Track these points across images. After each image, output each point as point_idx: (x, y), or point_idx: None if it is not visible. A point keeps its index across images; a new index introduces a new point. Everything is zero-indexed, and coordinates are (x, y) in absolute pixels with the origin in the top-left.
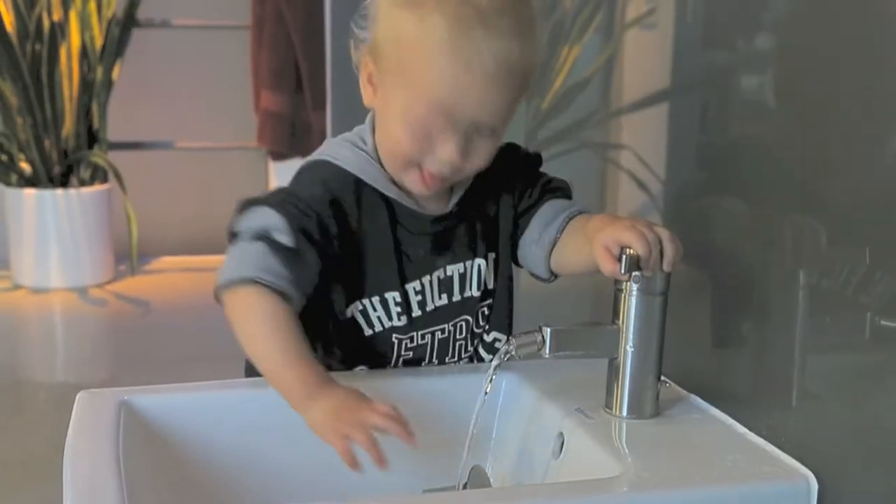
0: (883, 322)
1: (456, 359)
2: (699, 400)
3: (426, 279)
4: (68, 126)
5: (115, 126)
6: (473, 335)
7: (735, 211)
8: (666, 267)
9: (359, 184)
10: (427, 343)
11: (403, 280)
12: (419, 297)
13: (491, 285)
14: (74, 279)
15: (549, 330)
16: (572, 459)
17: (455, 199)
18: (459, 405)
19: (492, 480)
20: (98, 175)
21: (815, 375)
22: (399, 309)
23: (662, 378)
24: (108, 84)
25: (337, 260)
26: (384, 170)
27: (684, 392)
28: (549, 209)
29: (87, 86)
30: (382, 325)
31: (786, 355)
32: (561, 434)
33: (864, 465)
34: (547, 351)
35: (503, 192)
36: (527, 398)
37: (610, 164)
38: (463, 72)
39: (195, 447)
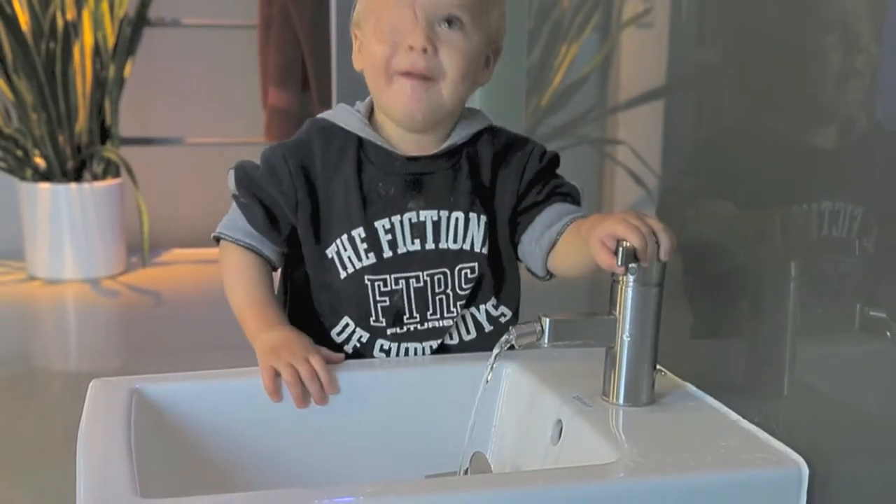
0: (872, 312)
1: (438, 316)
2: (694, 388)
3: (396, 219)
4: (81, 122)
5: (127, 122)
6: (457, 296)
7: (728, 204)
8: (663, 257)
9: (332, 129)
10: (402, 290)
11: (370, 217)
12: (389, 237)
13: (479, 248)
14: (87, 271)
15: (547, 320)
16: (570, 446)
17: (441, 147)
18: (461, 393)
19: (492, 466)
20: (110, 170)
21: (806, 364)
22: (366, 245)
23: (658, 367)
24: (120, 81)
25: (311, 204)
26: (366, 119)
27: (679, 380)
28: (554, 211)
29: (99, 83)
30: (353, 266)
31: (777, 345)
32: (559, 421)
33: (853, 452)
34: (546, 340)
35: (508, 171)
36: (526, 386)
37: (607, 159)
38: None
39: (205, 434)
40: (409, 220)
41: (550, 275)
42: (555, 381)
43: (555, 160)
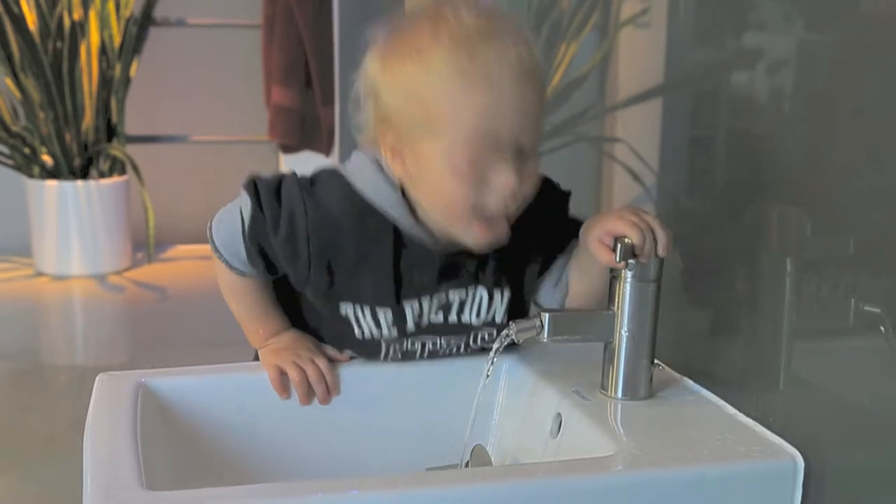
0: (866, 308)
1: (447, 357)
2: (691, 382)
3: (425, 299)
4: (88, 120)
5: (133, 120)
6: (471, 348)
7: (724, 202)
8: (661, 252)
9: (367, 212)
10: (417, 349)
11: (399, 298)
12: (416, 315)
13: (500, 319)
14: (94, 267)
15: (547, 315)
16: (570, 439)
17: None
18: (462, 387)
19: (493, 459)
20: (116, 167)
21: (802, 359)
22: (390, 321)
23: (656, 361)
24: (126, 80)
25: (326, 281)
26: (402, 199)
27: (677, 375)
28: (567, 251)
29: (106, 82)
30: (371, 333)
31: (773, 340)
32: (559, 415)
33: (847, 444)
34: (545, 335)
35: (532, 232)
36: (526, 380)
37: (605, 156)
38: (487, 91)
39: (209, 427)
40: (439, 299)
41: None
42: (554, 376)
43: (567, 196)
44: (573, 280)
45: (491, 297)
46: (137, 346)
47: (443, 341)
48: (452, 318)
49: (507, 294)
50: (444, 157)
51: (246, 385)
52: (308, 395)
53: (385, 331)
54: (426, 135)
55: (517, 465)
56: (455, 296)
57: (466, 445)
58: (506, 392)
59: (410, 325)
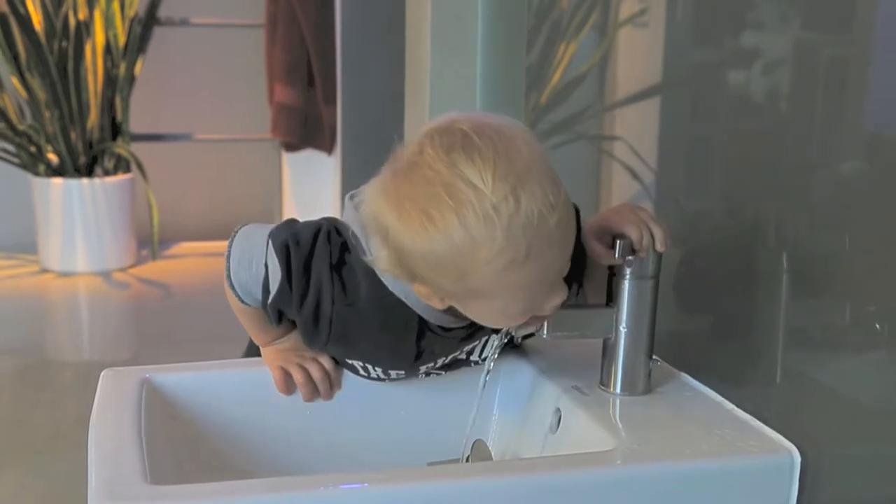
0: (861, 305)
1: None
2: (689, 378)
3: (441, 360)
4: (93, 119)
5: (137, 119)
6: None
7: (722, 199)
8: (659, 247)
9: (396, 307)
10: (420, 377)
11: (416, 363)
12: (428, 367)
13: (500, 352)
14: (99, 263)
15: None
16: (569, 434)
17: None
18: (463, 383)
19: (493, 454)
20: (121, 165)
21: (798, 355)
22: (402, 375)
23: (654, 357)
24: (131, 79)
25: (341, 351)
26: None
27: (675, 370)
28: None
29: (110, 81)
30: (379, 378)
31: (770, 336)
32: (558, 410)
33: (843, 439)
34: (545, 331)
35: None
36: (526, 376)
37: (604, 154)
38: (526, 265)
39: (212, 421)
40: (455, 356)
41: None
42: (554, 371)
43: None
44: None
45: (497, 339)
46: (142, 343)
47: (444, 371)
48: (461, 357)
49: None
50: (496, 310)
51: (249, 381)
52: (312, 394)
53: (394, 376)
54: (471, 297)
55: (517, 459)
56: (468, 345)
57: (467, 440)
58: (506, 387)
59: (421, 373)
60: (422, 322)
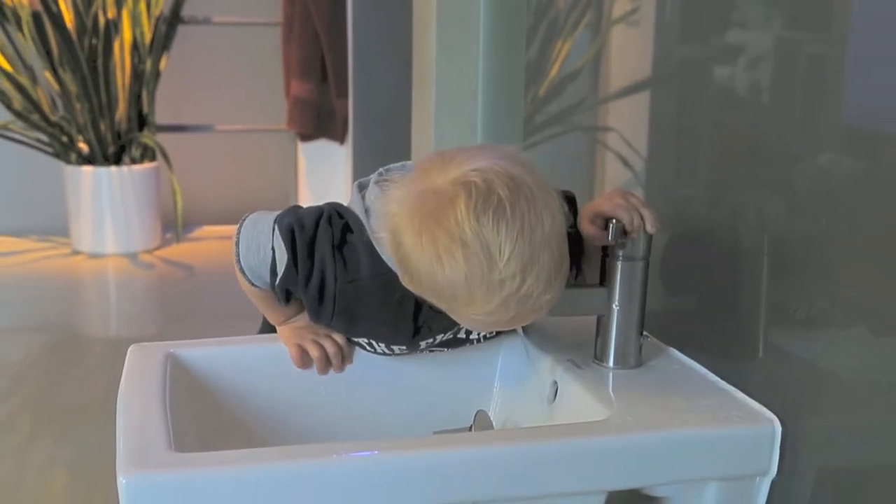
0: (838, 284)
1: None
2: (677, 352)
3: (440, 336)
4: (121, 111)
5: (162, 111)
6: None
7: (708, 186)
8: (649, 229)
9: (393, 284)
10: (424, 352)
11: (416, 340)
12: (428, 344)
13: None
14: (126, 246)
15: None
16: (565, 405)
17: None
18: (466, 358)
19: (494, 423)
20: (147, 154)
21: (779, 331)
22: (404, 350)
23: (645, 333)
24: (156, 74)
25: (346, 327)
26: None
27: (664, 345)
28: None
29: (137, 75)
30: (384, 353)
31: (753, 313)
32: (555, 382)
33: (821, 409)
34: None
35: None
36: (525, 351)
37: (598, 144)
38: (511, 320)
39: (232, 393)
40: (455, 333)
41: None
42: (551, 346)
43: (573, 201)
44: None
45: None
46: (166, 319)
47: (446, 348)
48: (461, 335)
49: None
50: (473, 323)
51: (266, 356)
52: (326, 368)
53: (397, 352)
54: (450, 305)
55: (517, 428)
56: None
57: (470, 411)
58: (506, 361)
59: (422, 348)
60: (418, 300)
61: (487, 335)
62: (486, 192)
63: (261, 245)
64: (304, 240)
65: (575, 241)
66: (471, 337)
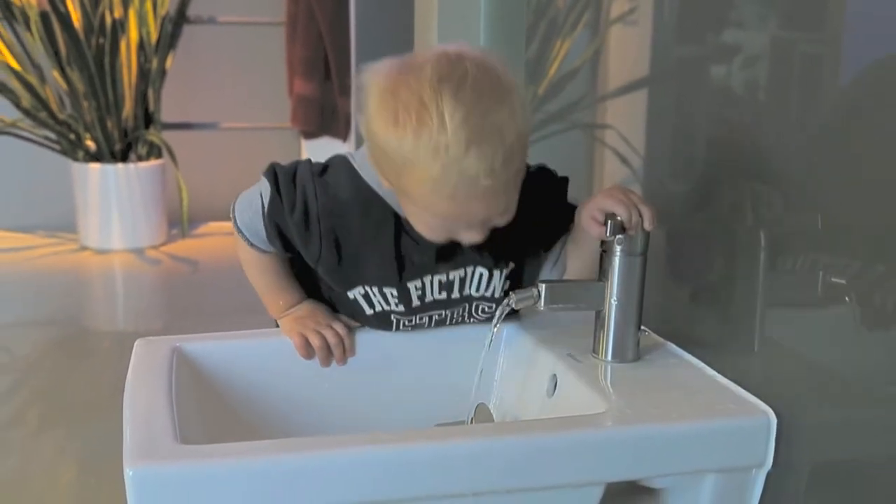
0: (833, 279)
1: (454, 326)
2: (674, 346)
3: (427, 279)
4: (128, 109)
5: (168, 109)
6: (474, 318)
7: (704, 182)
8: (646, 226)
9: (372, 201)
10: (424, 322)
11: (404, 280)
12: (419, 292)
13: (499, 293)
14: (133, 241)
15: (544, 286)
16: (564, 398)
17: None
18: (467, 351)
19: (494, 416)
20: (153, 151)
21: (774, 325)
22: (397, 300)
23: (642, 327)
24: (162, 73)
25: (335, 260)
26: None
27: (661, 339)
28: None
29: (143, 74)
30: (382, 308)
31: (749, 307)
32: (554, 376)
33: (816, 402)
34: (542, 304)
35: (529, 217)
36: (525, 345)
37: (597, 141)
38: (453, 204)
39: (236, 386)
40: (440, 280)
41: None
42: (550, 340)
43: (565, 182)
44: (570, 259)
45: (491, 275)
46: (172, 314)
47: (447, 312)
48: (455, 294)
49: (505, 271)
50: (420, 220)
51: (270, 349)
52: (328, 358)
53: (394, 306)
54: (404, 196)
55: (517, 421)
56: (455, 275)
57: (471, 404)
58: (506, 355)
59: (415, 301)
60: (398, 222)
61: (486, 308)
62: (455, 61)
63: (251, 199)
64: (286, 172)
65: (561, 222)
66: (467, 293)
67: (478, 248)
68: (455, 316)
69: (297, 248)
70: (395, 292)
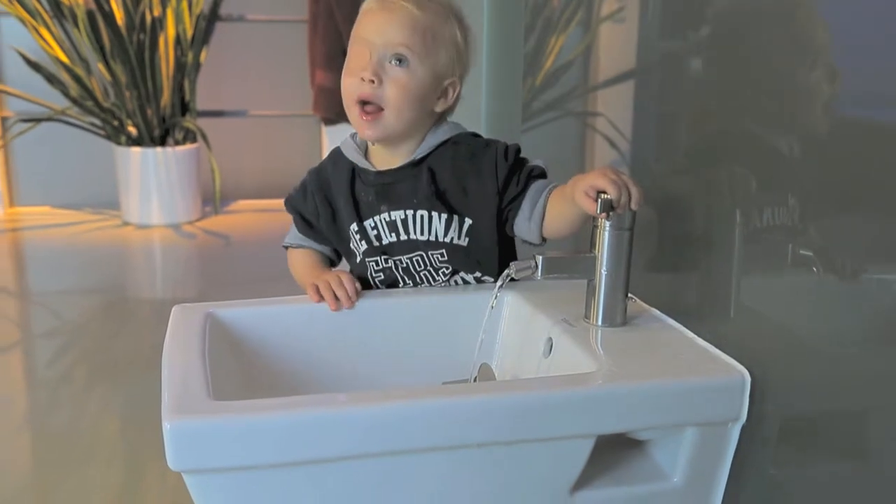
0: (801, 251)
1: (428, 285)
2: (659, 312)
3: (376, 218)
4: (166, 98)
5: (202, 98)
6: (438, 271)
7: (685, 164)
8: (633, 206)
9: (339, 156)
10: (391, 268)
11: (361, 218)
12: (374, 232)
13: (442, 238)
14: (170, 217)
15: (541, 258)
16: (559, 358)
17: (401, 163)
18: (471, 316)
19: (496, 374)
20: (189, 136)
21: (749, 292)
22: (359, 237)
23: (630, 295)
24: (197, 66)
25: (327, 212)
26: (360, 148)
27: (647, 306)
28: (534, 190)
29: (180, 67)
30: (359, 253)
31: (726, 276)
32: (550, 338)
33: (785, 362)
34: (539, 274)
35: (480, 176)
36: (524, 310)
37: (588, 128)
38: (360, 19)
39: (264, 348)
40: (384, 219)
41: (544, 240)
42: (546, 306)
43: (518, 152)
44: (552, 213)
45: (430, 217)
46: (206, 283)
47: (407, 260)
48: (402, 236)
49: (444, 216)
50: (348, 65)
51: (294, 314)
52: (334, 301)
53: (363, 246)
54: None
55: (516, 379)
56: (396, 216)
57: (475, 364)
58: (507, 320)
59: (373, 240)
60: (353, 170)
61: (439, 258)
62: None
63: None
64: (310, 173)
65: (513, 176)
66: (413, 237)
67: (412, 190)
68: (417, 265)
69: (309, 217)
70: (356, 229)
